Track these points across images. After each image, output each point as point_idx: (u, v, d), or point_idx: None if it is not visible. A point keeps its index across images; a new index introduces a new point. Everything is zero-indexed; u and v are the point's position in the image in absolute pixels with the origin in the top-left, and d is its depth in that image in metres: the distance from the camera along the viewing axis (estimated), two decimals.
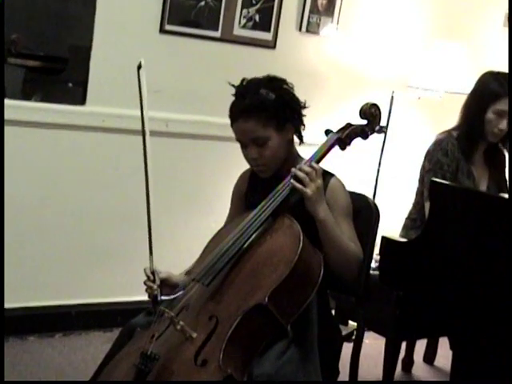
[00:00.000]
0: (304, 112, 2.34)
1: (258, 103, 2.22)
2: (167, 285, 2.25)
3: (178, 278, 2.29)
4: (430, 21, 4.20)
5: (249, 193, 2.42)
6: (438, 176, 3.04)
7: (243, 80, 2.33)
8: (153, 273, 2.23)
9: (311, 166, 2.16)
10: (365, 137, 2.35)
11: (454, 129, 3.18)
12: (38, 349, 3.33)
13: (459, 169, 3.11)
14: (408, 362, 3.62)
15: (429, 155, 3.15)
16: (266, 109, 2.22)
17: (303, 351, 2.06)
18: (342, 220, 2.24)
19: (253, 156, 2.26)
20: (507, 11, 4.23)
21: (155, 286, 2.20)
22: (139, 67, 2.30)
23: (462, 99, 3.87)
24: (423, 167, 3.19)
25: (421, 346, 3.68)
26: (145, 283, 2.24)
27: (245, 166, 2.49)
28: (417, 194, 3.27)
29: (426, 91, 3.92)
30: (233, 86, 2.33)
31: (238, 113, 2.25)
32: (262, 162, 2.27)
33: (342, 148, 2.32)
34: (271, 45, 3.76)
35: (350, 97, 3.89)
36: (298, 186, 2.13)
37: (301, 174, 2.14)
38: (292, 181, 2.15)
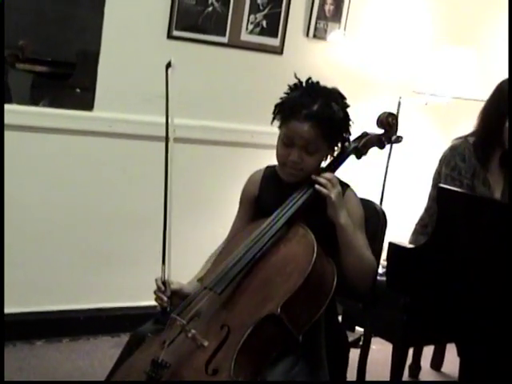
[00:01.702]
0: None
1: (328, 116, 2.18)
2: (178, 296, 2.23)
3: (189, 289, 2.26)
4: (437, 26, 4.20)
5: (261, 197, 2.38)
6: (456, 181, 3.02)
7: (309, 78, 2.27)
8: (164, 283, 2.21)
9: (329, 177, 2.18)
10: (381, 146, 2.35)
11: (470, 135, 3.14)
12: (46, 353, 3.33)
13: (475, 175, 3.08)
14: (415, 368, 3.62)
15: (445, 160, 3.12)
16: (333, 125, 2.19)
17: (313, 361, 2.06)
18: (357, 230, 2.22)
19: (295, 159, 2.19)
20: None
21: (165, 298, 2.19)
22: (168, 66, 2.23)
23: (470, 104, 3.86)
24: (438, 172, 3.16)
25: (428, 352, 3.68)
26: (155, 293, 2.23)
27: (253, 170, 2.49)
28: (429, 199, 3.25)
29: (433, 97, 3.92)
30: (297, 78, 2.26)
31: (305, 115, 2.16)
32: (300, 167, 2.21)
33: (358, 157, 2.32)
34: (278, 50, 3.76)
35: (357, 103, 3.86)
36: (324, 190, 2.13)
37: (323, 180, 2.15)
38: (317, 186, 2.15)
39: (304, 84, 2.26)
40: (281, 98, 2.28)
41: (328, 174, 2.19)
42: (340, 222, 2.14)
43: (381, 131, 2.35)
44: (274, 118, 2.29)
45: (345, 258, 2.17)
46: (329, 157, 2.29)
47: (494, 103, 3.11)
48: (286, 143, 2.22)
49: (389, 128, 2.34)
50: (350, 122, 2.27)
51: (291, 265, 2.05)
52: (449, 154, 3.13)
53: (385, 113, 2.34)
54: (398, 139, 2.38)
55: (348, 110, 2.27)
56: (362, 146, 2.30)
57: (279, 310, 1.94)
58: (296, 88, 2.27)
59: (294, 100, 2.23)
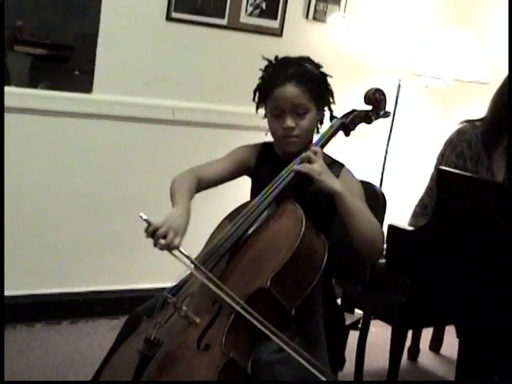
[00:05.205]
0: None
1: (304, 73, 2.22)
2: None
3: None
4: (439, 7, 4.18)
5: (258, 173, 2.37)
6: (460, 170, 2.99)
7: (277, 56, 2.32)
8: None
9: (311, 150, 2.17)
10: (369, 122, 2.34)
11: (478, 120, 3.07)
12: (46, 336, 3.34)
13: (479, 161, 3.05)
14: (414, 351, 3.63)
15: (451, 144, 3.06)
16: (312, 80, 2.22)
17: (309, 342, 2.05)
18: (356, 199, 2.17)
19: (290, 124, 2.20)
20: None
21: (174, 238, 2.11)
22: None
23: (470, 87, 3.85)
24: (442, 155, 3.12)
25: (427, 334, 3.68)
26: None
27: None
28: (431, 180, 3.22)
29: (434, 79, 3.89)
30: (267, 59, 2.31)
31: (284, 78, 2.20)
32: (296, 132, 2.21)
33: (347, 134, 2.31)
34: (278, 33, 3.75)
35: (357, 85, 3.87)
36: (304, 168, 2.12)
37: (302, 158, 2.14)
38: (295, 167, 2.14)
39: (273, 61, 2.31)
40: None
41: (308, 152, 2.15)
42: (334, 189, 2.09)
43: (369, 107, 2.34)
44: (257, 106, 2.32)
45: (351, 225, 2.11)
46: (319, 126, 2.30)
47: (505, 92, 3.05)
48: (276, 115, 2.24)
49: (376, 104, 2.32)
50: (327, 79, 2.28)
51: (280, 239, 2.04)
52: (455, 138, 3.08)
53: (371, 89, 2.33)
54: (386, 114, 2.36)
55: (322, 69, 2.29)
56: (350, 122, 2.29)
57: (269, 283, 1.93)
58: (267, 67, 2.31)
59: (268, 75, 2.28)
